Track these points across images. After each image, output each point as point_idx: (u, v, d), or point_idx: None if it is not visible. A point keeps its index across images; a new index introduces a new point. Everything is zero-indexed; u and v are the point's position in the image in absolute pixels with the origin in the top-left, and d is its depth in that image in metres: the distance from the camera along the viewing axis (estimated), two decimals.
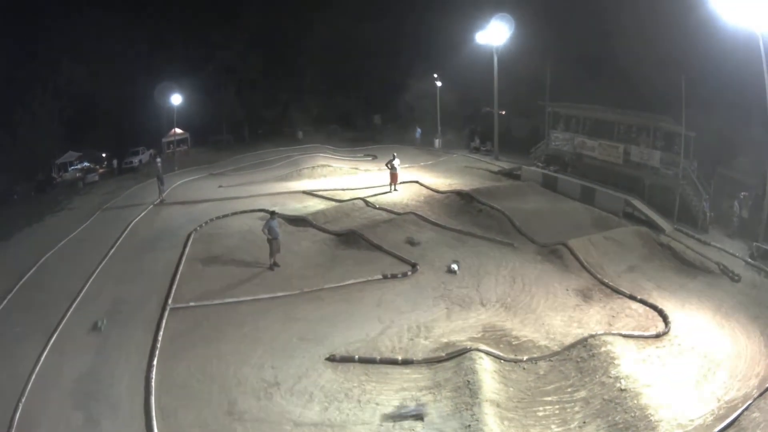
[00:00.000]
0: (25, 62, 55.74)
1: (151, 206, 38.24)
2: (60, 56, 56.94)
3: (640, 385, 16.20)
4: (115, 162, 58.78)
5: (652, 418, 14.75)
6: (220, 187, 44.07)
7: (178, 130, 63.56)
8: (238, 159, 57.74)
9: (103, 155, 62.24)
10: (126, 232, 32.33)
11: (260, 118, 74.00)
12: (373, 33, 67.47)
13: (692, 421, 15.08)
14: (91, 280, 25.65)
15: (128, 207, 38.82)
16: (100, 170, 58.31)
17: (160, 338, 19.52)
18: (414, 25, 67.60)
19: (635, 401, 15.41)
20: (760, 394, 16.11)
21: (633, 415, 14.91)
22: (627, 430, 14.52)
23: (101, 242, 30.82)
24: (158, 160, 50.06)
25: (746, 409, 15.37)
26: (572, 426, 15.10)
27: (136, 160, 59.12)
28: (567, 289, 23.97)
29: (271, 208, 28.89)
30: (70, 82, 56.89)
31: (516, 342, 19.38)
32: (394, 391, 16.52)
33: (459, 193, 36.53)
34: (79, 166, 57.25)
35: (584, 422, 15.15)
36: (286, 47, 72.30)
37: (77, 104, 58.51)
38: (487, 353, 17.95)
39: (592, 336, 18.95)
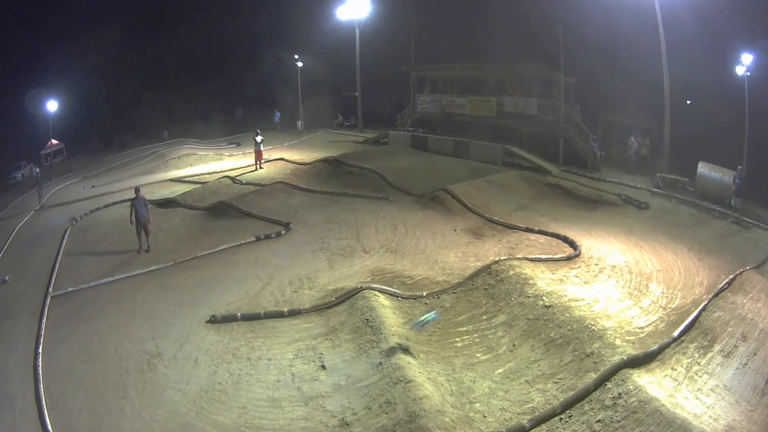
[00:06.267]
0: None
1: (33, 212, 36.65)
2: None
3: (567, 300, 15.14)
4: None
5: (593, 327, 13.59)
6: (92, 187, 42.72)
7: (54, 141, 61.18)
8: (108, 161, 56.00)
9: None
10: (11, 237, 30.40)
11: (127, 120, 71.29)
12: (232, 27, 66.98)
13: (642, 328, 14.41)
14: None
15: (14, 216, 36.96)
16: None
17: (43, 326, 17.62)
18: (272, 10, 66.80)
19: (567, 315, 14.28)
20: (715, 295, 16.03)
21: (570, 328, 13.80)
22: (568, 344, 13.35)
23: None
24: (36, 170, 48.64)
25: (703, 310, 15.07)
26: (501, 351, 13.90)
27: (19, 175, 57.58)
28: (455, 230, 23.18)
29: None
30: None
31: (410, 281, 18.16)
32: (285, 343, 15.21)
33: (326, 161, 35.23)
34: None
35: (513, 345, 13.95)
36: (151, 46, 70.71)
37: None
38: (381, 291, 16.62)
39: (495, 262, 17.57)
